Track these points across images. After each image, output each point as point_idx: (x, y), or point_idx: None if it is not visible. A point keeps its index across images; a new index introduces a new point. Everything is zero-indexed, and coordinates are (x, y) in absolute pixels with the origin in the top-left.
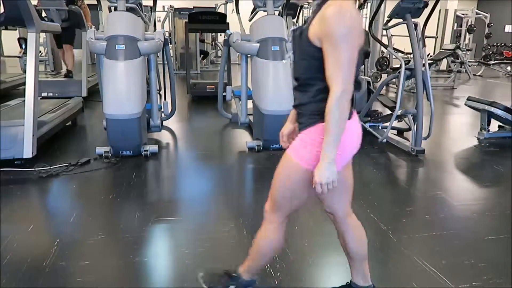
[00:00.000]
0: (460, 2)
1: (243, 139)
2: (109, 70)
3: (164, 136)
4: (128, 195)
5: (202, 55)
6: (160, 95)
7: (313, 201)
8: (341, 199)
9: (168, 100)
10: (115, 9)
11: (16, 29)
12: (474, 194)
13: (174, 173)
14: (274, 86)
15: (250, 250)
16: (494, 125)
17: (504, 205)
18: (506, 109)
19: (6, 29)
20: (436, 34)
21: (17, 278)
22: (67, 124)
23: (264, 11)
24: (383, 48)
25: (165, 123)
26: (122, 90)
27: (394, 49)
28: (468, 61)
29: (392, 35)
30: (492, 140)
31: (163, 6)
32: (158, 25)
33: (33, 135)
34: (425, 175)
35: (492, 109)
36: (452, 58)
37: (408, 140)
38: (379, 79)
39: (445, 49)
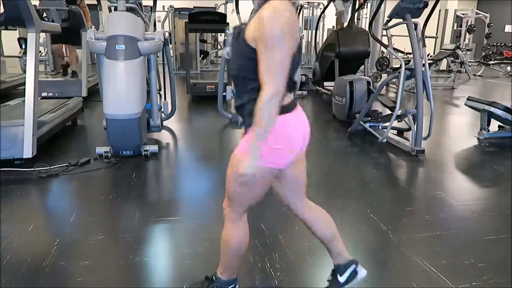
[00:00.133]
0: (460, 2)
1: None
2: (109, 70)
3: (164, 136)
4: (128, 195)
5: (202, 55)
6: (160, 95)
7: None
8: (293, 195)
9: (168, 100)
10: (115, 9)
11: (16, 29)
12: (474, 194)
13: (174, 173)
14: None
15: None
16: (494, 125)
17: (504, 205)
18: (506, 109)
19: (6, 29)
20: (436, 34)
21: (17, 278)
22: (67, 124)
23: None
24: (383, 48)
25: (165, 123)
26: (122, 90)
27: (394, 49)
28: (468, 61)
29: (392, 35)
30: (492, 140)
31: (163, 6)
32: (158, 25)
33: (33, 135)
34: (425, 175)
35: (492, 109)
36: (452, 58)
37: (408, 140)
38: (379, 79)
39: (445, 49)
